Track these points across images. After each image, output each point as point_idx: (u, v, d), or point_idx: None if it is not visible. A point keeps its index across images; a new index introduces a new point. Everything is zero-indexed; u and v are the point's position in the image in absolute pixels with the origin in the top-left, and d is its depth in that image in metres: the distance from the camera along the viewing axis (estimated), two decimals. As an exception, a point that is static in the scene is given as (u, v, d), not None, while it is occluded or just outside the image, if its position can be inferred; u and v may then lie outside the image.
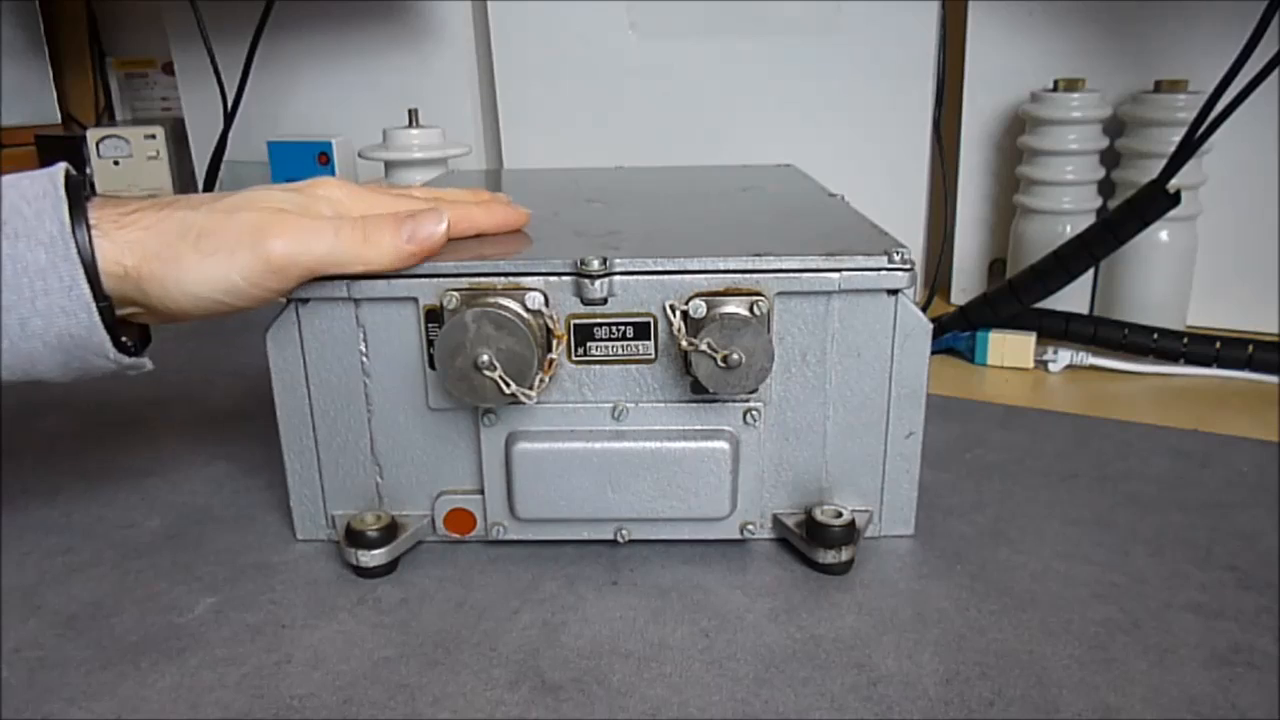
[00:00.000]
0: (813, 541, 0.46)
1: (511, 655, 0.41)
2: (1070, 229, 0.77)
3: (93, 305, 0.41)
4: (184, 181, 1.23)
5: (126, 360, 0.44)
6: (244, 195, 0.44)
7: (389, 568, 0.47)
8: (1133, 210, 0.68)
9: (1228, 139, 0.68)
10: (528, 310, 0.44)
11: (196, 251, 0.41)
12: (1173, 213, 0.68)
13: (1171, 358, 0.72)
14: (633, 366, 0.46)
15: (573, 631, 0.43)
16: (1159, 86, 0.75)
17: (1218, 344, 0.71)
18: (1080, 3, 0.81)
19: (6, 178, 0.42)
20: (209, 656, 0.41)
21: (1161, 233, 0.75)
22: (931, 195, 0.92)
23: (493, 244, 0.48)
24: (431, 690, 0.39)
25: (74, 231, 0.41)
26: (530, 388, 0.43)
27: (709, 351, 0.43)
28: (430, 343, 0.45)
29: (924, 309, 0.48)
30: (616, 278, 0.44)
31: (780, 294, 0.44)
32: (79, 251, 0.41)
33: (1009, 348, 0.75)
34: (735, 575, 0.47)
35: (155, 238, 0.42)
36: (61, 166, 0.42)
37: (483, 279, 0.44)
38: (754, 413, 0.46)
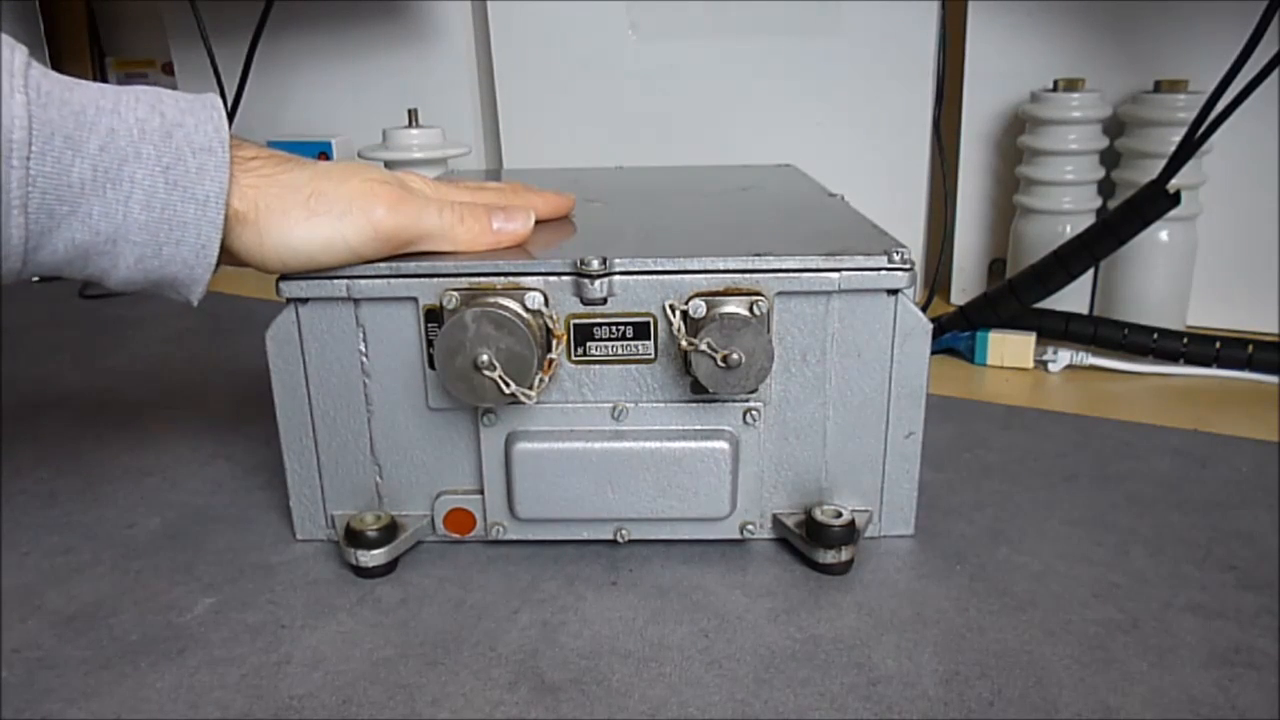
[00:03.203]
0: (813, 541, 0.46)
1: (511, 655, 0.41)
2: (1070, 229, 0.77)
3: (213, 265, 0.42)
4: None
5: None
6: (350, 165, 0.45)
7: (389, 568, 0.47)
8: (1133, 210, 0.68)
9: (1228, 139, 0.68)
10: (527, 310, 0.44)
11: (306, 209, 0.42)
12: (1173, 213, 0.68)
13: (1171, 358, 0.72)
14: (632, 366, 0.46)
15: (572, 631, 0.43)
16: (1159, 86, 0.75)
17: (1218, 344, 0.71)
18: (1080, 2, 0.81)
19: (172, 107, 0.41)
20: (208, 656, 0.41)
21: (1161, 233, 0.75)
22: (931, 195, 0.92)
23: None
24: (431, 690, 0.39)
25: (229, 196, 0.41)
26: (530, 388, 0.43)
27: (709, 351, 0.43)
28: (430, 343, 0.45)
29: (924, 309, 0.48)
30: (616, 277, 0.44)
31: (780, 294, 0.44)
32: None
33: (1009, 348, 0.75)
34: (735, 575, 0.47)
35: (271, 188, 0.42)
36: (224, 117, 0.42)
37: (483, 279, 0.44)
38: (754, 413, 0.46)
